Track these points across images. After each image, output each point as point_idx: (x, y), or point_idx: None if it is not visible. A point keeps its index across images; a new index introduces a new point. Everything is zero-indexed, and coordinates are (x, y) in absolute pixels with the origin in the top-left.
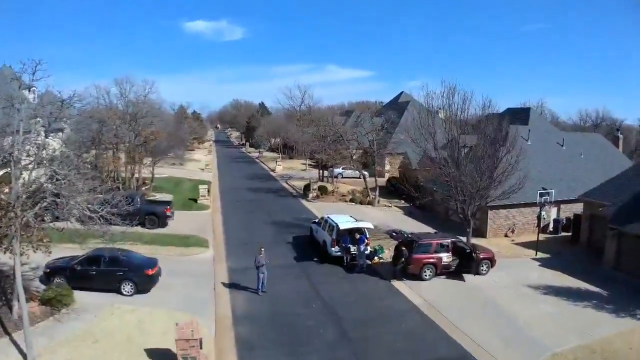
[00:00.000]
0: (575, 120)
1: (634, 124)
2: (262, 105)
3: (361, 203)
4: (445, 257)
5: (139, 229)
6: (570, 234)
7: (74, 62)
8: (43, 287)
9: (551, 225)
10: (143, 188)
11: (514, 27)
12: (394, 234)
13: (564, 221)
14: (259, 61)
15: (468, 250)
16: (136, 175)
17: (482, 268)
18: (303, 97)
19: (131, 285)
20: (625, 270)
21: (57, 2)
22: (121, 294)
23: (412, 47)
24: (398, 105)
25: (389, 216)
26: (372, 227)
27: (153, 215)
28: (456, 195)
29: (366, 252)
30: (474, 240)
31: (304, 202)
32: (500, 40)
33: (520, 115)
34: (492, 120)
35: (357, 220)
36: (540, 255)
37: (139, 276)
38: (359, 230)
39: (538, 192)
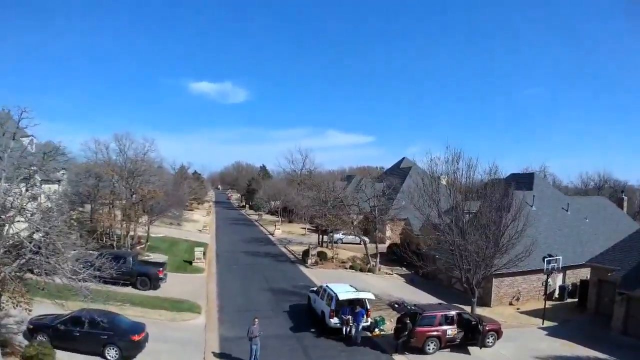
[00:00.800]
0: (577, 183)
1: (636, 184)
2: (263, 168)
3: (361, 270)
4: (450, 330)
5: (130, 289)
6: (576, 299)
7: (77, 117)
8: (26, 342)
9: (557, 292)
10: (138, 247)
11: (512, 92)
12: (397, 305)
13: (570, 287)
14: (261, 123)
15: (474, 322)
16: (131, 233)
17: (488, 340)
18: (304, 161)
19: (116, 350)
20: (633, 335)
21: (60, 55)
22: (105, 358)
23: (412, 113)
24: (400, 171)
25: (390, 284)
26: (372, 297)
27: (145, 277)
28: (461, 263)
29: (365, 324)
30: (477, 310)
31: (302, 268)
32: (499, 106)
33: (524, 180)
34: (498, 186)
35: (357, 290)
36: (547, 323)
37: (124, 341)
38: (359, 302)
39: (545, 259)
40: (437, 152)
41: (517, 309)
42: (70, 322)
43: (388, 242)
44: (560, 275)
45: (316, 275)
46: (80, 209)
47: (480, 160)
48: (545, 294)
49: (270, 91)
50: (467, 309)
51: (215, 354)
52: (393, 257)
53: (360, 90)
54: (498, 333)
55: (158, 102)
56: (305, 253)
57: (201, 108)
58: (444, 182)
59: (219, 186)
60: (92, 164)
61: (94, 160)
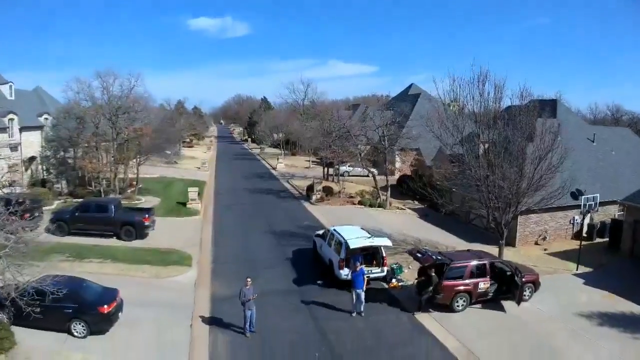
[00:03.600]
0: (586, 114)
1: None
2: (264, 100)
3: (371, 206)
4: (482, 283)
5: (114, 241)
6: (606, 239)
7: (72, 63)
8: None
9: (584, 231)
10: (129, 190)
11: (518, 22)
12: (419, 255)
13: (599, 225)
14: (263, 57)
15: (509, 273)
16: (120, 176)
17: (524, 293)
18: (306, 91)
19: (83, 326)
20: None
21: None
22: (72, 335)
23: (417, 42)
24: (408, 98)
25: (403, 221)
26: (389, 244)
27: (129, 226)
28: (488, 201)
29: (381, 274)
30: (496, 249)
31: (306, 205)
32: (505, 35)
33: (546, 107)
34: (531, 111)
35: (371, 236)
36: (581, 268)
37: (91, 314)
38: (375, 250)
39: (582, 197)
40: (445, 82)
41: (544, 249)
42: (29, 295)
43: (398, 174)
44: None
45: (322, 212)
46: (65, 154)
47: (509, 82)
48: (580, 236)
49: (271, 23)
50: (491, 250)
51: (204, 320)
52: (404, 190)
53: (363, 17)
54: (535, 285)
55: (157, 40)
56: (310, 188)
57: (201, 44)
58: (454, 108)
59: (222, 121)
60: (72, 105)
61: (76, 100)
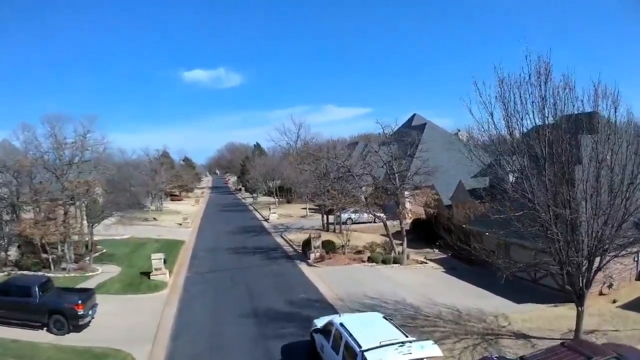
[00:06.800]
0: None
1: None
2: (257, 146)
3: (384, 262)
4: None
5: (41, 334)
6: None
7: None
8: None
9: None
10: (86, 258)
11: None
12: None
13: None
14: (258, 105)
15: None
16: (75, 237)
17: None
18: (298, 132)
19: None
20: None
21: (50, 52)
22: None
23: (409, 81)
24: (413, 129)
25: (427, 279)
26: (440, 354)
27: (59, 314)
28: (563, 255)
29: None
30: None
31: (303, 267)
32: (490, 69)
33: (583, 122)
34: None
35: (405, 341)
36: None
37: None
38: None
39: None
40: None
41: (613, 301)
42: None
43: (410, 218)
44: None
45: (322, 277)
46: (7, 216)
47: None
48: None
49: (264, 73)
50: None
51: None
52: (421, 236)
53: (356, 63)
54: None
55: (153, 95)
56: (306, 244)
57: (196, 96)
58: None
59: (217, 171)
60: (5, 156)
61: (25, 151)
